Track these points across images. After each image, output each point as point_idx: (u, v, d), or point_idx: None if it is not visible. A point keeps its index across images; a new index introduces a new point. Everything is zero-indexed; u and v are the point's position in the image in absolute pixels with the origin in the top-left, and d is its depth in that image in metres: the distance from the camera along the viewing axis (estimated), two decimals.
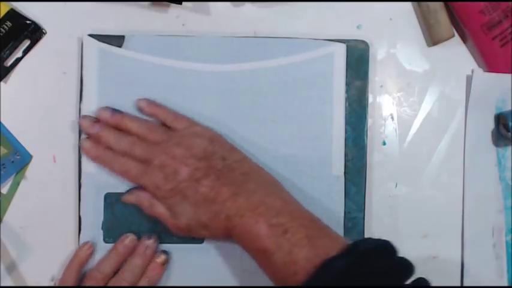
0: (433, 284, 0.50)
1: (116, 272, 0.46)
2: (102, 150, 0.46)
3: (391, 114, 0.50)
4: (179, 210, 0.43)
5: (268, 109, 0.48)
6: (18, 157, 0.48)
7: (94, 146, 0.46)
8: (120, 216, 0.48)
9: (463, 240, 0.50)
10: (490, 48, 0.49)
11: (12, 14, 0.48)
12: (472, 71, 0.50)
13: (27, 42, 0.48)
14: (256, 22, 0.50)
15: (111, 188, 0.48)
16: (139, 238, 0.47)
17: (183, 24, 0.49)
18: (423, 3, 0.49)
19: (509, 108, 0.50)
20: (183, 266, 0.48)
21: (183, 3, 0.48)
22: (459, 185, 0.50)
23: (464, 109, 0.50)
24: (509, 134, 0.48)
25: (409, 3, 0.50)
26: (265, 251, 0.40)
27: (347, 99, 0.49)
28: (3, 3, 0.47)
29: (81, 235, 0.48)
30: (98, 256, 0.47)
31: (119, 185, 0.48)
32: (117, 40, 0.48)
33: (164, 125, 0.47)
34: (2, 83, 0.48)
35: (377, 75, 0.50)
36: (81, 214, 0.48)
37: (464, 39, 0.50)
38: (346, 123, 0.49)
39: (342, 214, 0.48)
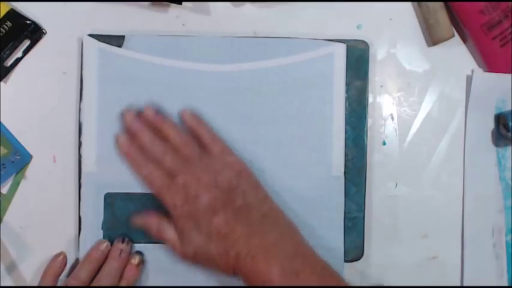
0: (433, 284, 0.51)
1: (93, 279, 0.46)
2: (135, 150, 0.45)
3: (391, 114, 0.50)
4: (189, 237, 0.42)
5: (268, 109, 0.48)
6: (18, 157, 0.48)
7: (128, 143, 0.46)
8: (120, 216, 0.48)
9: (463, 240, 0.50)
10: (490, 48, 0.49)
11: (12, 14, 0.48)
12: (472, 71, 0.50)
13: (27, 42, 0.48)
14: (256, 22, 0.50)
15: (111, 188, 0.48)
16: (140, 238, 0.47)
17: (183, 24, 0.49)
18: (423, 3, 0.49)
19: (509, 108, 0.50)
20: (183, 266, 0.48)
21: (183, 3, 0.48)
22: (459, 185, 0.50)
23: (464, 109, 0.50)
24: (509, 134, 0.48)
25: (409, 3, 0.50)
26: None
27: (347, 99, 0.49)
28: (3, 3, 0.47)
29: (81, 235, 0.48)
30: None
31: (119, 185, 0.48)
32: (117, 40, 0.48)
33: (199, 141, 0.46)
34: (2, 83, 0.48)
35: (377, 75, 0.50)
36: (81, 214, 0.48)
37: (464, 39, 0.50)
38: (346, 123, 0.49)
39: (342, 214, 0.48)
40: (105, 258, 0.46)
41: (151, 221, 0.45)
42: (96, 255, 0.46)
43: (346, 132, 0.49)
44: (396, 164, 0.50)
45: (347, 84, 0.49)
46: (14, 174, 0.48)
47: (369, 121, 0.49)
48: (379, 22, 0.50)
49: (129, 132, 0.46)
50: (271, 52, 0.48)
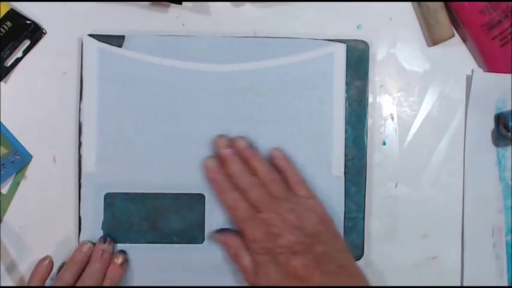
0: (433, 284, 0.51)
1: (77, 280, 0.46)
2: (223, 176, 0.45)
3: (391, 114, 0.50)
4: (264, 271, 0.43)
5: (268, 109, 0.48)
6: (18, 157, 0.48)
7: (217, 168, 0.46)
8: (120, 216, 0.48)
9: (463, 240, 0.50)
10: (490, 48, 0.49)
11: (12, 14, 0.48)
12: (472, 71, 0.50)
13: (27, 42, 0.48)
14: (256, 22, 0.50)
15: (111, 188, 0.48)
16: (140, 238, 0.47)
17: (183, 24, 0.49)
18: (423, 3, 0.49)
19: (509, 108, 0.50)
20: (183, 266, 0.48)
21: (183, 3, 0.48)
22: (459, 185, 0.50)
23: (464, 109, 0.50)
24: (509, 134, 0.48)
25: (409, 3, 0.50)
26: None
27: (347, 99, 0.49)
28: (3, 3, 0.47)
29: (81, 235, 0.48)
30: None
31: (119, 185, 0.48)
32: (117, 40, 0.48)
33: (286, 182, 0.46)
34: (2, 83, 0.48)
35: (377, 75, 0.50)
36: (81, 214, 0.48)
37: (464, 39, 0.50)
38: (346, 123, 0.49)
39: (342, 214, 0.48)
40: (88, 258, 0.46)
41: (232, 242, 0.45)
42: (80, 256, 0.46)
43: (346, 132, 0.49)
44: (396, 164, 0.50)
45: (347, 84, 0.49)
46: (14, 174, 0.48)
47: (369, 121, 0.49)
48: (379, 22, 0.50)
49: (219, 158, 0.46)
50: (271, 52, 0.48)
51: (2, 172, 0.48)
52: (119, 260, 0.47)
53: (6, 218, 0.48)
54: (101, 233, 0.47)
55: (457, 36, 0.50)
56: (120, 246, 0.48)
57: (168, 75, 0.48)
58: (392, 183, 0.50)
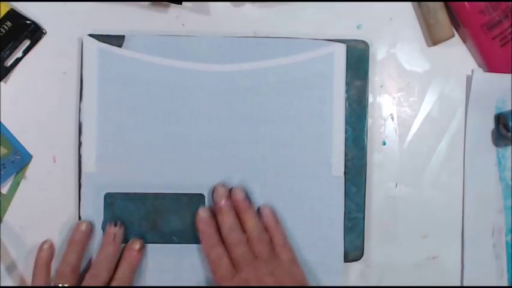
0: (433, 284, 0.51)
1: (81, 260, 0.46)
2: (212, 229, 0.46)
3: (391, 114, 0.50)
4: None
5: (268, 109, 0.48)
6: (18, 157, 0.48)
7: (209, 219, 0.47)
8: (120, 216, 0.48)
9: (463, 240, 0.50)
10: (490, 48, 0.49)
11: (12, 14, 0.48)
12: (472, 71, 0.50)
13: (27, 42, 0.48)
14: (256, 22, 0.50)
15: (111, 188, 0.48)
16: (140, 238, 0.47)
17: (183, 24, 0.49)
18: (423, 3, 0.49)
19: (509, 108, 0.50)
20: (183, 266, 0.48)
21: (183, 3, 0.48)
22: (459, 185, 0.50)
23: (464, 109, 0.50)
24: (509, 134, 0.48)
25: (409, 3, 0.50)
26: None
27: (347, 99, 0.49)
28: (3, 3, 0.47)
29: None
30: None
31: (119, 185, 0.48)
32: (117, 40, 0.48)
33: (271, 241, 0.47)
34: (2, 83, 0.48)
35: (377, 75, 0.50)
36: (81, 214, 0.48)
37: (464, 39, 0.50)
38: (346, 123, 0.49)
39: (342, 214, 0.48)
40: (89, 238, 0.47)
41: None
42: (80, 236, 0.46)
43: (346, 132, 0.49)
44: (396, 164, 0.50)
45: (347, 84, 0.49)
46: (14, 174, 0.48)
47: (369, 121, 0.49)
48: (379, 22, 0.50)
49: (214, 205, 0.47)
50: (271, 52, 0.48)
51: (2, 172, 0.48)
52: (136, 245, 0.47)
53: (6, 218, 0.49)
54: (101, 233, 0.47)
55: (457, 36, 0.50)
56: (122, 244, 0.48)
57: (168, 75, 0.48)
58: (392, 183, 0.50)
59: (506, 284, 0.50)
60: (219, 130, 0.48)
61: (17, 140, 0.48)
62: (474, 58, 0.50)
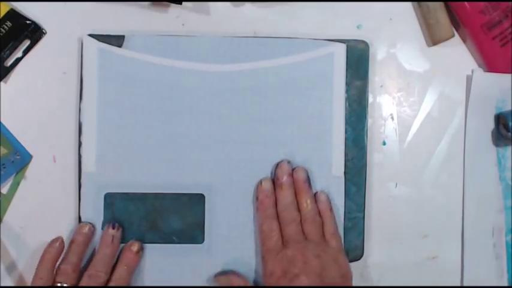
0: (433, 284, 0.51)
1: (82, 261, 0.46)
2: (271, 202, 0.47)
3: (391, 114, 0.50)
4: None
5: (268, 109, 0.48)
6: (18, 157, 0.48)
7: (269, 192, 0.47)
8: (120, 216, 0.48)
9: (463, 240, 0.50)
10: (490, 48, 0.49)
11: (12, 14, 0.48)
12: (472, 71, 0.50)
13: (27, 42, 0.48)
14: (256, 22, 0.50)
15: (111, 188, 0.48)
16: (140, 239, 0.47)
17: (183, 24, 0.49)
18: (423, 3, 0.49)
19: (509, 108, 0.50)
20: (183, 266, 0.48)
21: (183, 3, 0.48)
22: (459, 185, 0.50)
23: (464, 109, 0.50)
24: (509, 134, 0.48)
25: (409, 3, 0.50)
26: None
27: (347, 99, 0.49)
28: (3, 3, 0.47)
29: None
30: None
31: (119, 185, 0.48)
32: (117, 40, 0.48)
33: (322, 226, 0.47)
34: (2, 83, 0.48)
35: (377, 75, 0.50)
36: (81, 214, 0.48)
37: (464, 39, 0.50)
38: (346, 123, 0.49)
39: (342, 214, 0.48)
40: (90, 240, 0.47)
41: (236, 281, 0.46)
42: (82, 238, 0.46)
43: (346, 132, 0.49)
44: (396, 164, 0.50)
45: (347, 84, 0.49)
46: (14, 174, 0.48)
47: (369, 121, 0.49)
48: (379, 22, 0.50)
49: (276, 179, 0.47)
50: (271, 52, 0.48)
51: (2, 172, 0.48)
52: (134, 247, 0.47)
53: (6, 218, 0.49)
54: (101, 232, 0.47)
55: (457, 36, 0.50)
56: (120, 246, 0.48)
57: (168, 75, 0.48)
58: (392, 183, 0.50)
59: (506, 284, 0.50)
60: (219, 130, 0.48)
61: (17, 140, 0.48)
62: (474, 58, 0.50)
